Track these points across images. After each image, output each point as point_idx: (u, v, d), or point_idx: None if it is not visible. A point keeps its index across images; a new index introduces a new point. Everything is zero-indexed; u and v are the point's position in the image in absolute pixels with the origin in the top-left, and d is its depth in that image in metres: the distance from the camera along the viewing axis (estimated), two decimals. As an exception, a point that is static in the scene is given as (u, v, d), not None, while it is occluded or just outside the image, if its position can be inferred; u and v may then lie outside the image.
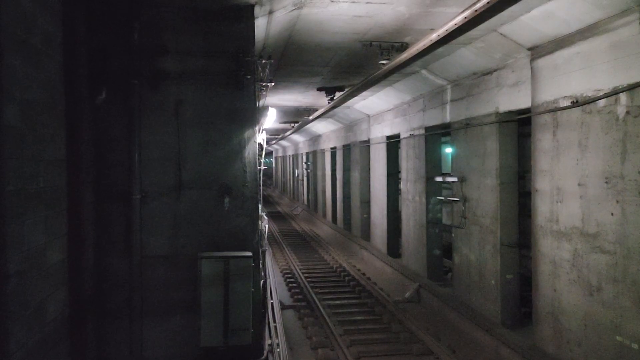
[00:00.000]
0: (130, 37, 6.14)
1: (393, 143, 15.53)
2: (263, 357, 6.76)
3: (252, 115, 6.56)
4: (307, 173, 31.21)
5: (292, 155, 38.68)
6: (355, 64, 10.64)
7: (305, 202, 32.19)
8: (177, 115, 6.33)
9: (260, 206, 7.99)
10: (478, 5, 5.27)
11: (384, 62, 8.78)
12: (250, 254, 6.20)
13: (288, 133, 25.90)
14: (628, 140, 5.85)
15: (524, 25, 7.20)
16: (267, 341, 8.15)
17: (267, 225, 11.95)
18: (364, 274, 14.92)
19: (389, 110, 15.14)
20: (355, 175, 19.62)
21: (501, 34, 7.79)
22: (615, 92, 6.00)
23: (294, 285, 13.81)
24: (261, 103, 10.31)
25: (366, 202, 18.62)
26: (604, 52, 6.18)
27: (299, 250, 19.52)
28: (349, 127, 20.33)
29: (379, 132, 16.33)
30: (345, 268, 15.82)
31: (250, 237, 6.49)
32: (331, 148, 24.09)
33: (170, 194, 6.31)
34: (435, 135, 12.37)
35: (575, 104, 6.68)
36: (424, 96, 12.30)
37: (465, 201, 10.20)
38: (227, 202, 6.42)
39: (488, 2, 5.10)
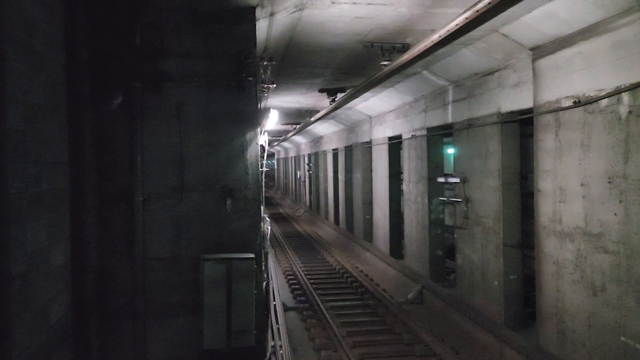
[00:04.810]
0: (131, 40, 6.15)
1: (395, 144, 15.52)
2: (266, 359, 6.75)
3: (253, 117, 6.56)
4: (309, 174, 31.21)
5: (294, 156, 38.69)
6: (356, 65, 10.64)
7: (308, 203, 32.18)
8: (179, 118, 6.33)
9: (262, 208, 7.99)
10: (479, 6, 5.26)
11: (385, 63, 8.78)
12: (252, 255, 6.20)
13: (290, 135, 25.90)
14: (631, 140, 5.84)
15: (525, 25, 7.19)
16: (270, 343, 8.15)
17: (269, 227, 11.96)
18: (366, 275, 14.90)
19: (391, 111, 15.14)
20: (357, 176, 19.62)
21: (503, 35, 7.79)
22: (617, 92, 5.99)
23: (297, 287, 13.81)
24: (263, 105, 10.32)
25: (368, 204, 18.61)
26: (606, 51, 6.16)
27: (301, 252, 19.51)
28: (351, 128, 20.33)
29: (381, 133, 16.33)
30: (348, 269, 15.80)
31: (253, 238, 6.49)
32: (333, 149, 24.09)
33: (173, 196, 6.31)
34: (437, 136, 12.37)
35: (578, 104, 6.67)
36: (425, 97, 12.30)
37: (468, 202, 10.18)
38: (229, 204, 6.42)
39: (489, 3, 5.09)
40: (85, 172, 5.63)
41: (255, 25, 6.48)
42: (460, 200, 10.51)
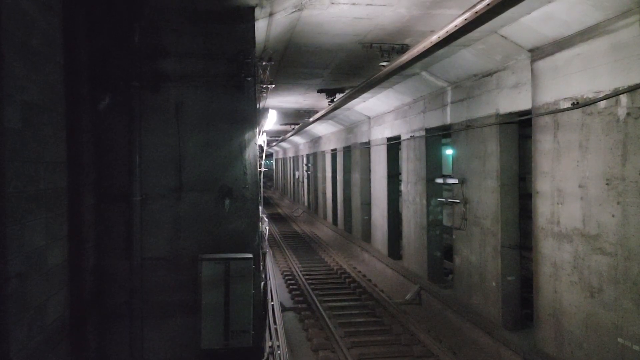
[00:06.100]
0: (130, 39, 6.15)
1: (393, 145, 15.53)
2: (264, 359, 6.75)
3: (252, 117, 6.56)
4: (308, 175, 31.21)
5: (293, 157, 38.68)
6: (355, 66, 10.64)
7: (306, 204, 32.18)
8: (178, 117, 6.33)
9: (260, 208, 7.99)
10: (478, 7, 5.27)
11: (384, 64, 8.78)
12: (250, 255, 6.20)
13: (288, 135, 25.90)
14: (629, 142, 5.85)
15: (524, 26, 7.20)
16: (268, 343, 8.15)
17: (267, 227, 11.95)
18: (364, 275, 14.91)
19: (390, 111, 15.15)
20: (356, 177, 19.62)
21: (501, 36, 7.79)
22: (615, 94, 6.00)
23: (295, 287, 13.81)
24: (261, 105, 10.31)
25: (367, 204, 18.61)
26: (605, 53, 6.17)
27: (299, 252, 19.51)
28: (350, 128, 20.34)
29: (380, 133, 16.33)
30: (346, 270, 15.80)
31: (251, 238, 6.49)
32: (332, 150, 24.09)
33: (171, 195, 6.31)
34: (436, 136, 12.37)
35: (576, 105, 6.68)
36: (424, 98, 12.30)
37: (466, 203, 10.19)
38: (227, 204, 6.41)
39: (488, 4, 5.10)
40: (83, 172, 5.62)
41: (254, 25, 6.48)
42: (458, 201, 10.52)
